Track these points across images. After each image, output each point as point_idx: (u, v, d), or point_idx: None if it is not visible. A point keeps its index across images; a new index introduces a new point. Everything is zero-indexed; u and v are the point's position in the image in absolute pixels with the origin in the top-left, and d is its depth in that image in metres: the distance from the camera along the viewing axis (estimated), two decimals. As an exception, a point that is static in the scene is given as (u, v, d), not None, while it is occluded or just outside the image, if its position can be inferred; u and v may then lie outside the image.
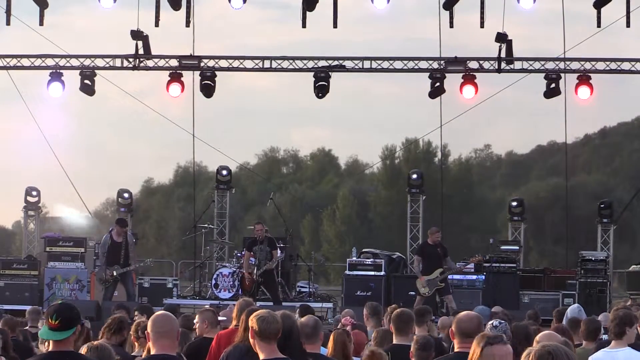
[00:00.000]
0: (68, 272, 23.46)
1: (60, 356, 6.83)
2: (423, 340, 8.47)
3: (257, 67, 24.89)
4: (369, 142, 66.01)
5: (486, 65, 24.34)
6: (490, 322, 8.72)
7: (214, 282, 23.25)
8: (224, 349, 9.27)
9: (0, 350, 9.43)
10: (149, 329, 7.21)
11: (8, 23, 23.97)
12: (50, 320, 6.78)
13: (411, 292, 22.20)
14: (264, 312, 7.44)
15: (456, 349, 7.56)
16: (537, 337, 8.34)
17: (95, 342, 7.78)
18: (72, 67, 24.64)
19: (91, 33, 52.51)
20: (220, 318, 11.01)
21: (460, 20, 23.78)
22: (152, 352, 7.20)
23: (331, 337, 9.22)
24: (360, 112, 65.35)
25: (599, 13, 23.41)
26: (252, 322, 7.33)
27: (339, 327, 11.23)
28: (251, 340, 7.38)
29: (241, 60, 24.92)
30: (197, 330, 10.95)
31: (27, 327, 13.49)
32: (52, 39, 24.65)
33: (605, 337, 11.37)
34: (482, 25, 23.44)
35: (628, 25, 23.41)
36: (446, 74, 24.40)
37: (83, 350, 7.33)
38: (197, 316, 11.16)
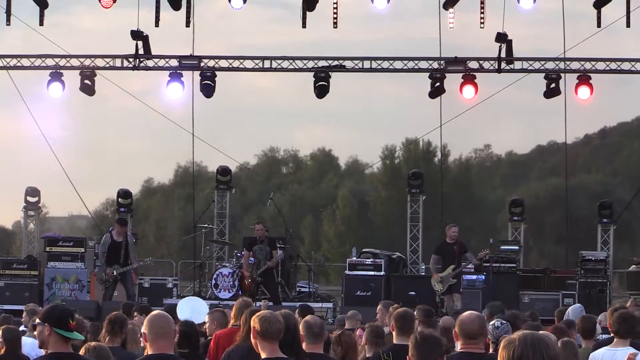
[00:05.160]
0: (68, 272, 23.44)
1: (61, 357, 6.83)
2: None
3: (257, 67, 24.89)
4: (369, 142, 65.99)
5: (486, 65, 24.35)
6: (492, 323, 8.73)
7: (213, 282, 23.24)
8: (221, 349, 9.27)
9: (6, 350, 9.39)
10: (145, 329, 7.19)
11: (8, 23, 23.97)
12: (71, 321, 6.87)
13: (411, 292, 22.25)
14: (266, 312, 7.48)
15: (459, 349, 7.65)
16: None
17: (93, 343, 7.79)
18: (72, 67, 24.65)
19: (91, 33, 52.58)
20: None
21: (460, 20, 23.81)
22: (150, 352, 7.18)
23: (337, 339, 9.22)
24: (360, 112, 65.27)
25: (599, 13, 23.41)
26: (254, 322, 7.36)
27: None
28: (252, 340, 7.41)
29: (241, 60, 24.92)
30: (207, 330, 10.97)
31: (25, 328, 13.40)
32: (52, 39, 24.71)
33: (603, 336, 11.38)
34: (482, 25, 23.44)
35: (628, 25, 23.42)
36: (446, 74, 24.40)
37: (81, 351, 7.33)
38: (207, 317, 11.20)
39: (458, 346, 7.69)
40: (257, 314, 7.49)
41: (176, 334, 7.37)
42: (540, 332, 7.06)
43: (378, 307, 12.78)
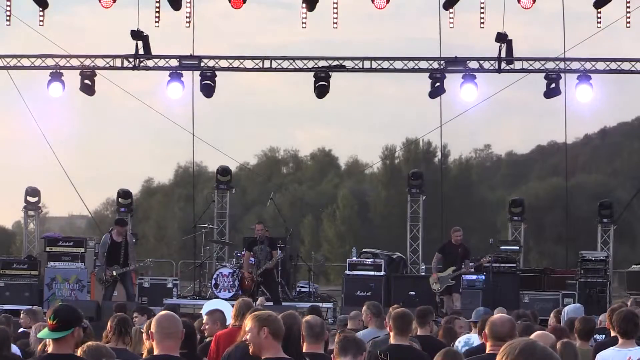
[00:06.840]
0: (68, 272, 23.44)
1: (58, 359, 6.83)
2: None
3: (257, 67, 24.89)
4: (369, 142, 66.12)
5: (486, 65, 24.34)
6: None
7: (213, 282, 23.24)
8: (222, 349, 9.27)
9: None
10: (153, 329, 7.19)
11: (8, 23, 23.97)
12: (49, 320, 6.87)
13: (411, 292, 22.28)
14: (269, 312, 7.50)
15: (488, 350, 7.87)
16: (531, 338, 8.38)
17: (92, 343, 7.77)
18: (72, 67, 24.64)
19: (91, 33, 52.61)
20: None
21: (460, 20, 23.82)
22: (155, 352, 7.18)
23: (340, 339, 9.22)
24: (360, 112, 65.38)
25: (599, 13, 23.42)
26: None
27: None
28: (256, 340, 7.44)
29: (241, 60, 24.92)
30: (207, 331, 10.93)
31: (24, 329, 13.36)
32: (53, 39, 24.70)
33: (600, 337, 11.35)
34: (482, 25, 23.45)
35: (628, 25, 23.43)
36: (446, 74, 24.40)
37: (79, 351, 7.32)
38: (205, 317, 11.17)
39: (487, 347, 7.92)
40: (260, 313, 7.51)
41: (183, 335, 7.35)
42: (537, 336, 7.08)
43: (363, 309, 12.74)
